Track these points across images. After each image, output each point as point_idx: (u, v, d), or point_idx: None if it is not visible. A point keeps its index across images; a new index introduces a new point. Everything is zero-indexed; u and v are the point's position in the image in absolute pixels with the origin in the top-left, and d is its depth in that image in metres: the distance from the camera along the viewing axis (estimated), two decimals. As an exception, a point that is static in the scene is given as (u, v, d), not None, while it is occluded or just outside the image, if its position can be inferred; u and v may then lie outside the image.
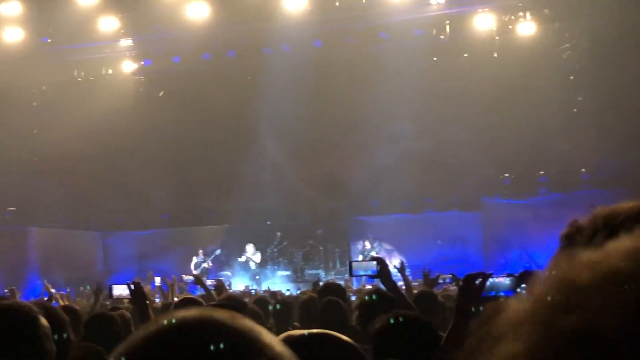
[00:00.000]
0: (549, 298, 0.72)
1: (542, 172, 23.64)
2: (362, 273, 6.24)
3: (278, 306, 7.76)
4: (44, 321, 2.98)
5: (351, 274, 6.47)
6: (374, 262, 5.93)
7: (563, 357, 0.67)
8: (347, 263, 6.62)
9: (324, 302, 6.60)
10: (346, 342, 2.35)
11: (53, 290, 15.68)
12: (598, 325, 0.66)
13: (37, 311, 3.03)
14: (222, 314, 1.09)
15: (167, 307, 7.59)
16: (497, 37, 24.28)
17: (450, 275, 8.79)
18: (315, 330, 2.40)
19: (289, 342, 2.26)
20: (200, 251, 24.69)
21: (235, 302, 6.04)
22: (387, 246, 24.12)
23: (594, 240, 1.26)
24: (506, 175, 24.18)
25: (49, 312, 3.44)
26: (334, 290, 7.42)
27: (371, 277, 6.19)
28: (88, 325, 5.54)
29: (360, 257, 21.73)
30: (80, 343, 4.56)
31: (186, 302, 5.96)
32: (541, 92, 23.18)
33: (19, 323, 2.86)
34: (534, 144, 23.37)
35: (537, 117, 23.28)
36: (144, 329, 1.09)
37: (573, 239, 1.31)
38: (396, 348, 3.80)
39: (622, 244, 0.76)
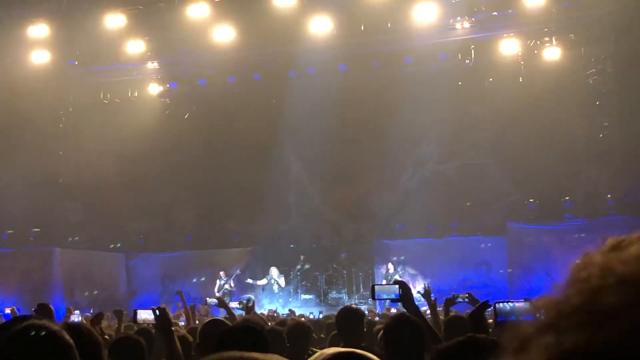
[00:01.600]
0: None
1: (567, 198, 23.48)
2: (384, 297, 6.21)
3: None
4: (68, 337, 3.00)
5: (374, 298, 6.43)
6: (397, 286, 5.92)
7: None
8: (370, 287, 6.56)
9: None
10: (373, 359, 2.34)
11: (76, 313, 15.80)
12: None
13: (63, 330, 3.05)
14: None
15: (191, 331, 7.56)
16: (522, 62, 24.24)
17: (467, 295, 8.75)
18: (344, 349, 2.39)
19: None
20: (222, 273, 24.66)
21: (255, 324, 6.03)
22: (411, 270, 24.00)
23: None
24: (531, 200, 24.06)
25: (84, 334, 3.46)
26: (351, 312, 7.38)
27: (393, 300, 6.18)
28: (114, 347, 5.55)
29: (384, 282, 21.62)
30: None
31: (213, 324, 5.94)
32: (567, 117, 23.07)
33: (54, 346, 2.88)
34: (560, 169, 23.25)
35: (563, 142, 23.19)
36: None
37: None
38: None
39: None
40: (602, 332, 0.73)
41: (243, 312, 11.06)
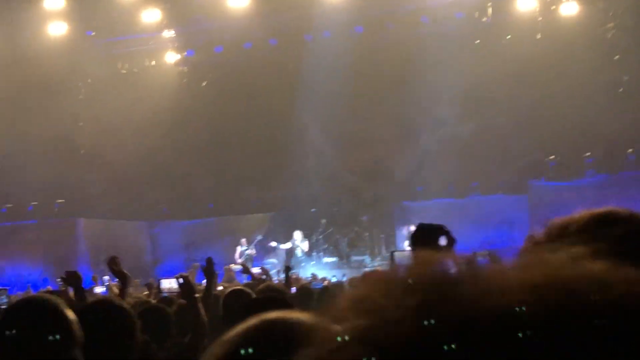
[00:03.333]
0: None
1: (588, 154, 23.36)
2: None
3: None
4: (69, 312, 3.10)
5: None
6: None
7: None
8: (390, 253, 6.64)
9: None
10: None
11: (106, 280, 15.98)
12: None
13: (63, 303, 3.15)
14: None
15: (212, 298, 7.67)
16: (540, 18, 24.03)
17: (487, 252, 8.81)
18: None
19: None
20: (244, 240, 24.78)
21: (276, 292, 6.10)
22: (432, 231, 23.99)
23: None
24: (552, 157, 23.94)
25: (116, 308, 3.58)
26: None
27: None
28: (140, 317, 5.64)
29: (406, 242, 21.67)
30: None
31: (235, 295, 6.04)
32: (586, 72, 22.89)
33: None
34: (580, 126, 23.10)
35: (582, 98, 23.02)
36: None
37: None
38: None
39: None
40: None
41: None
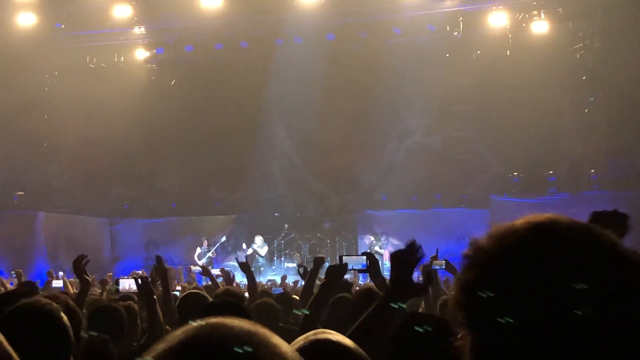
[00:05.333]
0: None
1: (551, 172, 23.61)
2: (352, 267, 6.31)
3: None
4: (65, 318, 3.06)
5: None
6: (364, 257, 6.09)
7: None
8: (338, 257, 6.69)
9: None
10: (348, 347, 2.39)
11: (60, 275, 15.80)
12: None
13: (59, 309, 3.12)
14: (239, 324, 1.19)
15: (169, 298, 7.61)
16: (510, 35, 24.25)
17: (444, 261, 8.95)
18: (320, 335, 2.43)
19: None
20: (205, 241, 24.70)
21: (235, 297, 6.07)
22: (394, 241, 24.09)
23: (489, 259, 1.34)
24: (515, 173, 24.16)
25: (68, 309, 3.51)
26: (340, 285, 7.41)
27: (360, 271, 6.36)
28: (93, 315, 5.58)
29: (368, 251, 21.73)
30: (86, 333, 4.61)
31: (192, 297, 6.01)
32: (553, 91, 23.14)
33: (47, 321, 2.94)
34: (544, 143, 23.35)
35: (548, 116, 23.27)
36: (169, 339, 1.20)
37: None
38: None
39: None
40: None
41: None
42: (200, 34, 25.00)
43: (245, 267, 8.38)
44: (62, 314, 3.07)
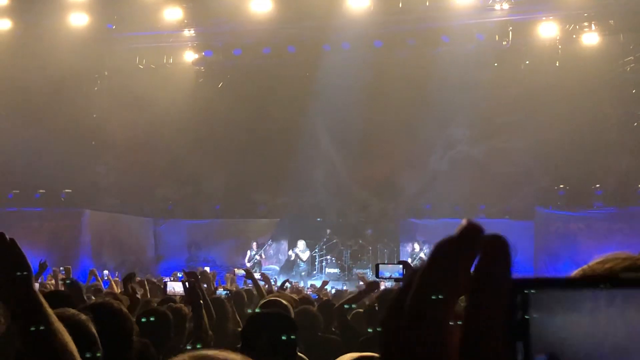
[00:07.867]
0: None
1: (598, 186, 23.33)
2: (387, 275, 6.28)
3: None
4: (93, 328, 3.09)
5: (377, 276, 6.50)
6: (400, 266, 6.02)
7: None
8: (375, 265, 6.65)
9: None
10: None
11: (105, 274, 15.98)
12: None
13: (89, 320, 3.15)
14: None
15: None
16: (560, 46, 24.03)
17: None
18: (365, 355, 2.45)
19: None
20: (254, 244, 24.82)
21: (281, 308, 6.05)
22: (436, 250, 23.95)
23: None
24: (561, 186, 23.91)
25: (122, 316, 3.57)
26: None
27: (397, 280, 6.27)
28: (140, 319, 5.63)
29: (410, 260, 21.68)
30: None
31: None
32: (601, 104, 22.87)
33: (75, 332, 2.97)
34: (592, 157, 23.09)
35: (596, 129, 23.00)
36: None
37: None
38: None
39: None
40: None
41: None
42: (248, 38, 25.12)
43: (249, 275, 8.43)
44: (91, 324, 3.08)
